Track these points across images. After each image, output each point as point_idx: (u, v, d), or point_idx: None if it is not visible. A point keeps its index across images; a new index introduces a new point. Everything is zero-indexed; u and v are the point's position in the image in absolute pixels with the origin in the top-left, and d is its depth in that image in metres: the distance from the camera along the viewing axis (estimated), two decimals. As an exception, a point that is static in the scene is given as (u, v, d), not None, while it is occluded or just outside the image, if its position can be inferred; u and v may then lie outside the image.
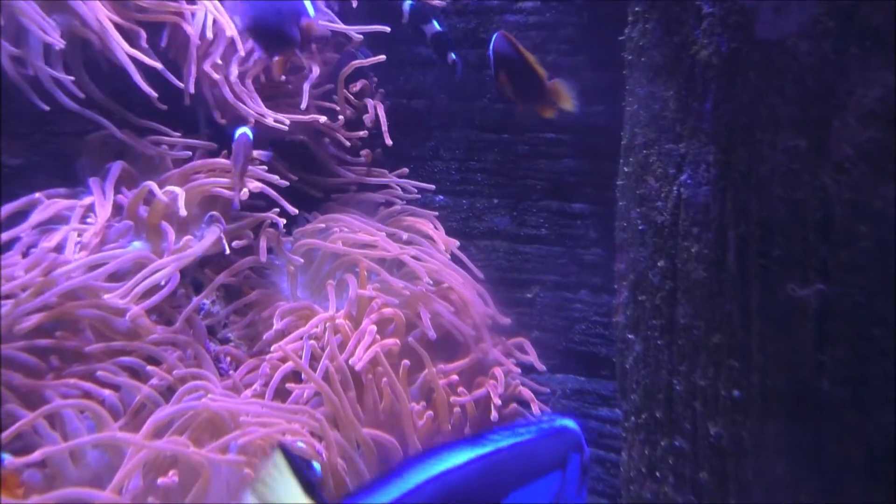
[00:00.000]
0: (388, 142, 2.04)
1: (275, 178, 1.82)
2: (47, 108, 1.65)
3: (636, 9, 1.48)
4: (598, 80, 2.04)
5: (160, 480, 1.33)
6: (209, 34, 1.77)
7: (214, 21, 1.78)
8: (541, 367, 1.93)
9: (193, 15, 1.78)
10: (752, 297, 1.27)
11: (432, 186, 2.17)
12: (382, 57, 2.00)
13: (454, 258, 2.00)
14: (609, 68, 1.73)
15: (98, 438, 1.40)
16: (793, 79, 1.19)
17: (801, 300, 1.20)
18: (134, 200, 1.68)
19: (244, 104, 1.81)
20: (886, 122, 1.11)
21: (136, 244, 1.69)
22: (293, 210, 1.81)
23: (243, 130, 1.73)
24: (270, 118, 1.82)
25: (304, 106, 1.89)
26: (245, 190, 1.75)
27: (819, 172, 1.17)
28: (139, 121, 1.80)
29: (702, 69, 1.31)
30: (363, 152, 2.13)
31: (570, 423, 1.09)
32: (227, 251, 1.72)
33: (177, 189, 1.66)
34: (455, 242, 2.00)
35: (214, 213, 1.77)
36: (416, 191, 2.15)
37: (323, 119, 1.93)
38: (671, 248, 1.40)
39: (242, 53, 1.82)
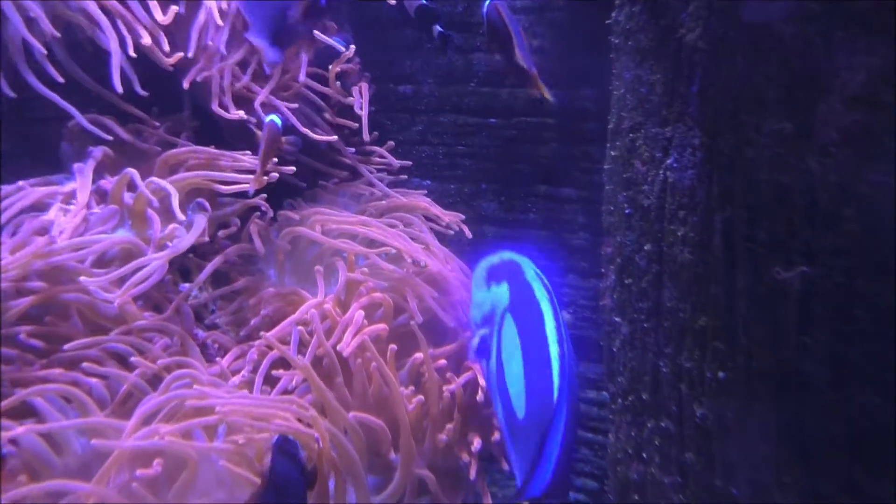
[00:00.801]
0: (367, 137, 2.02)
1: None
2: (13, 94, 1.64)
3: (623, -8, 1.47)
4: (585, 64, 2.04)
5: (139, 472, 1.31)
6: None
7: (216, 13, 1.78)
8: None
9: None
10: (737, 280, 1.28)
11: (409, 163, 2.17)
12: (351, 52, 1.99)
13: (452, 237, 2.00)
14: (596, 52, 1.73)
15: (80, 423, 1.40)
16: (778, 62, 1.19)
17: (786, 282, 1.21)
18: (117, 188, 1.67)
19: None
20: (871, 106, 1.12)
21: (122, 231, 1.68)
22: (290, 169, 1.80)
23: (272, 117, 1.72)
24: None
25: (302, 78, 1.89)
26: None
27: (804, 156, 1.18)
28: (123, 104, 1.78)
29: (688, 53, 1.31)
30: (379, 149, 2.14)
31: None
32: (207, 239, 1.72)
33: (170, 189, 1.64)
34: (460, 216, 2.00)
35: (201, 199, 1.76)
36: (405, 176, 2.16)
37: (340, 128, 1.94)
38: (658, 232, 1.41)
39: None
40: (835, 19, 1.13)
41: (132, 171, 1.66)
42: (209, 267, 1.73)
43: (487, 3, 1.73)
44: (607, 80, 1.60)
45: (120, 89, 1.68)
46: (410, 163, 2.17)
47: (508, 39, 1.69)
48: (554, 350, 1.12)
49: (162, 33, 1.72)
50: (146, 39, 1.69)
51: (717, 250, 1.30)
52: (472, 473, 1.59)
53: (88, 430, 1.42)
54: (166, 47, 1.72)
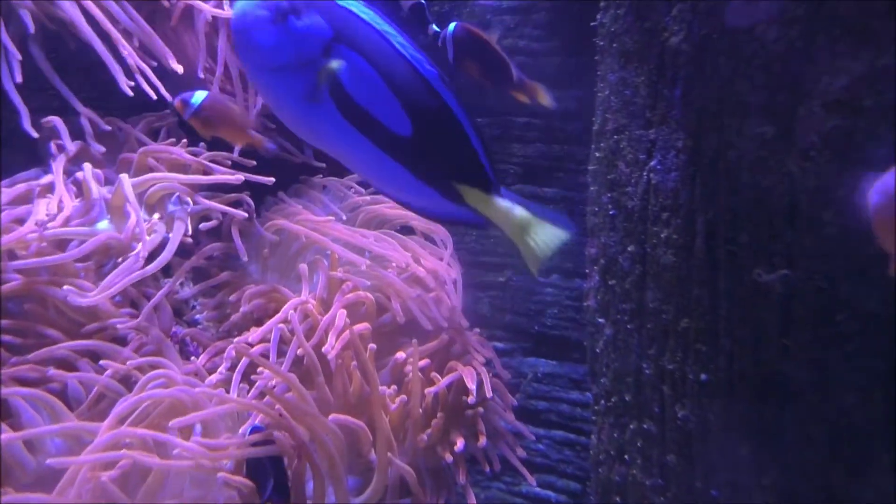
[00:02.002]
0: None
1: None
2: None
3: (608, -7, 1.47)
4: (570, 66, 2.04)
5: (100, 475, 1.30)
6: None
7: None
8: (505, 375, 1.91)
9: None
10: (719, 282, 1.28)
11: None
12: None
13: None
14: (582, 54, 1.73)
15: (55, 429, 1.39)
16: (761, 66, 1.19)
17: (767, 285, 1.21)
18: (85, 184, 1.66)
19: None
20: (851, 110, 1.12)
21: (103, 223, 1.67)
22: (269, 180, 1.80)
23: (200, 94, 1.72)
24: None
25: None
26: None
27: (785, 159, 1.18)
28: (82, 108, 1.75)
29: (672, 56, 1.31)
30: None
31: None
32: (190, 239, 1.71)
33: (132, 199, 1.62)
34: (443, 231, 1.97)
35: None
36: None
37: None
38: (641, 233, 1.41)
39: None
40: (817, 23, 1.14)
41: (85, 168, 1.65)
42: (188, 263, 1.71)
43: (451, 27, 1.70)
44: (592, 81, 1.60)
45: (130, 93, 1.68)
46: None
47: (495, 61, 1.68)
48: (419, 60, 1.10)
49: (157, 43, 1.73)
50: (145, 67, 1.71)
51: (700, 252, 1.30)
52: (461, 477, 1.59)
53: (62, 433, 1.41)
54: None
